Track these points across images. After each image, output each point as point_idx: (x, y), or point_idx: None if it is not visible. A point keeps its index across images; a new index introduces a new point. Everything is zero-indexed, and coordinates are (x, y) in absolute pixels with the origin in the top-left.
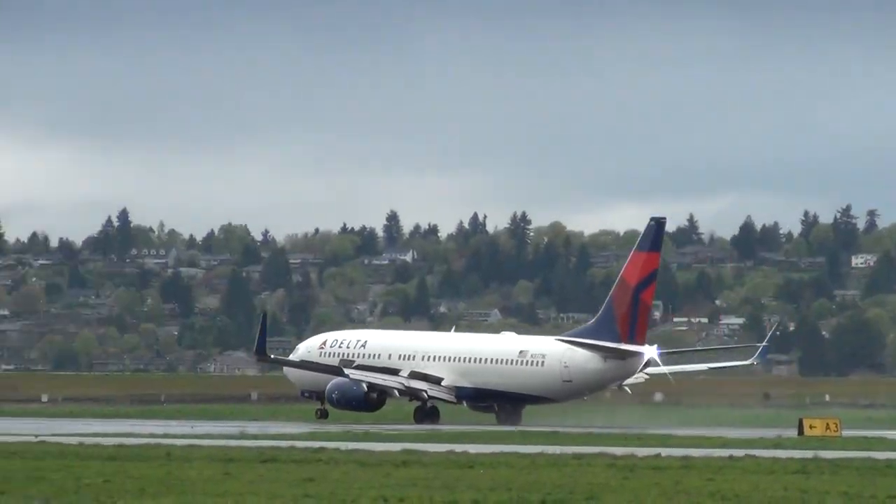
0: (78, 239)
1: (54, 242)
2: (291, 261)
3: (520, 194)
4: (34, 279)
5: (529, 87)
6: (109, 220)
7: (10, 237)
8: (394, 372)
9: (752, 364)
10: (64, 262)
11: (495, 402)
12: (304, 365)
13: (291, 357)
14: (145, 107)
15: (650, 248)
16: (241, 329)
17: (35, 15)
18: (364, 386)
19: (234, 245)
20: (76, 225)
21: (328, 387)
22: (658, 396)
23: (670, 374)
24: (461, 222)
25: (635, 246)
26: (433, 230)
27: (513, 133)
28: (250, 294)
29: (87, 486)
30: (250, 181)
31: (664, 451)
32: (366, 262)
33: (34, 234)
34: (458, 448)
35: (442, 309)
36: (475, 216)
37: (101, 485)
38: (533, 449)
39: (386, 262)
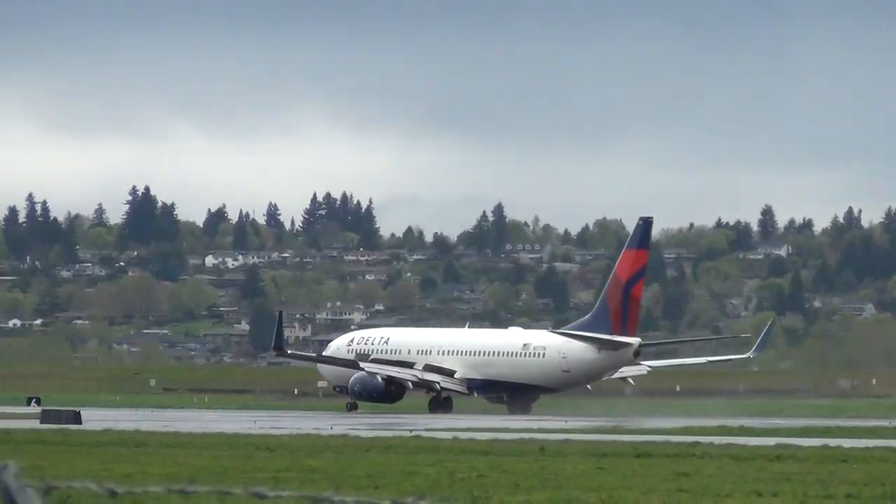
0: (452, 234)
1: (429, 237)
2: (666, 255)
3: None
4: (409, 274)
5: None
6: (484, 215)
7: (385, 232)
8: (408, 365)
9: (750, 357)
10: (438, 257)
11: (503, 392)
12: (320, 359)
13: (325, 354)
14: (520, 102)
15: (639, 246)
16: None
17: (408, 12)
18: (379, 378)
19: (609, 239)
20: (451, 220)
21: (351, 380)
22: None
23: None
24: (836, 217)
25: (626, 244)
26: (808, 225)
27: (889, 128)
28: None
29: (461, 480)
30: (625, 175)
31: None
32: (740, 256)
33: (409, 229)
34: (832, 442)
35: (816, 303)
36: (850, 211)
37: (475, 479)
38: None
39: (760, 256)
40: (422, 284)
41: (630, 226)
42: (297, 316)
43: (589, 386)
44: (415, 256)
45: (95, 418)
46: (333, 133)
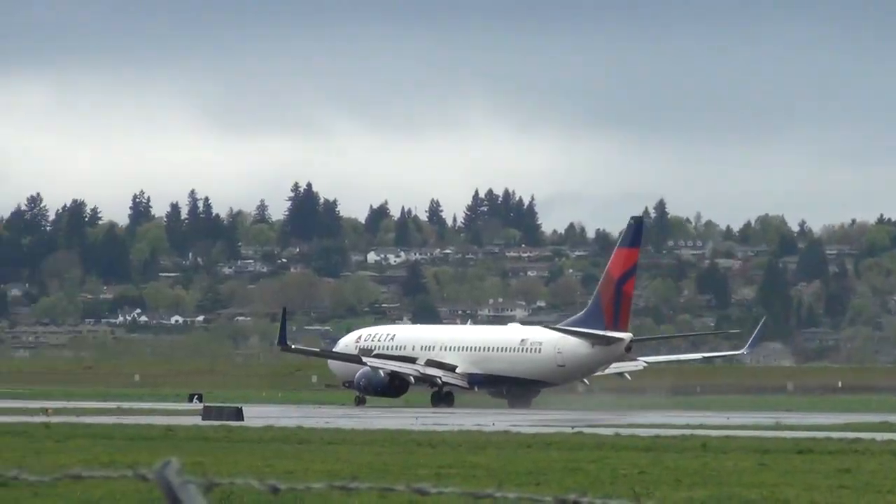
0: (614, 230)
1: (591, 233)
2: (828, 251)
3: None
4: (570, 270)
5: None
6: (646, 211)
7: (548, 228)
8: (410, 360)
9: (743, 353)
10: (600, 253)
11: (502, 386)
12: (323, 354)
13: (335, 350)
14: (683, 98)
15: (630, 245)
16: (777, 320)
17: (571, 10)
18: (382, 373)
19: (771, 236)
20: (613, 216)
21: (356, 375)
22: None
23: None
24: None
25: (617, 243)
26: None
27: None
28: (786, 285)
29: (623, 477)
30: (787, 171)
31: None
32: None
33: (571, 226)
34: None
35: None
36: None
37: (637, 476)
38: None
39: None
40: (583, 280)
41: (792, 222)
42: (459, 312)
43: (586, 381)
44: (576, 253)
45: (257, 415)
46: (496, 129)
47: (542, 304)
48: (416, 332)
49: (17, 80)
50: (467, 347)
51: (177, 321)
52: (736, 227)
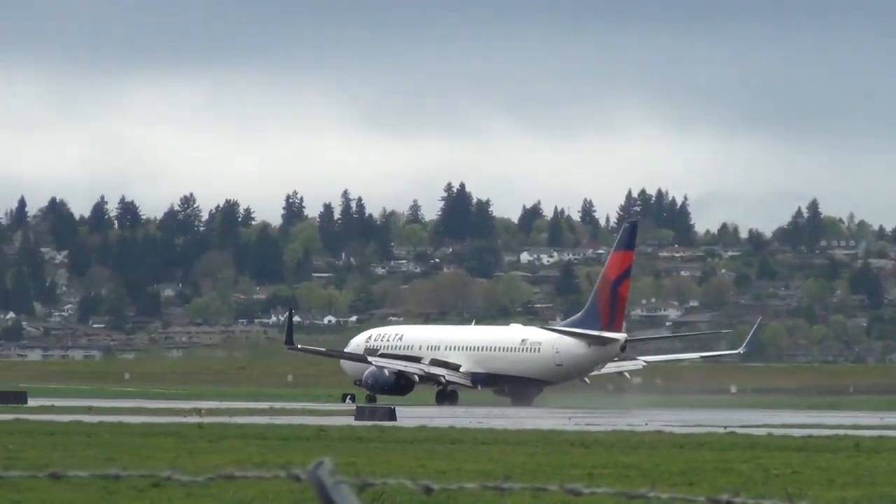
0: (767, 230)
1: (744, 233)
2: None
3: None
4: (723, 271)
5: None
6: (799, 211)
7: (701, 228)
8: (415, 359)
9: (741, 353)
10: (753, 253)
11: (504, 385)
12: (329, 353)
13: (347, 350)
14: (836, 98)
15: (625, 248)
16: None
17: (727, 11)
18: (387, 372)
19: None
20: (766, 216)
21: (364, 374)
22: None
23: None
24: None
25: (613, 246)
26: None
27: None
28: None
29: (776, 477)
30: None
31: None
32: None
33: (724, 226)
34: None
35: None
36: None
37: (789, 476)
38: None
39: None
40: (736, 281)
41: None
42: None
43: (587, 379)
44: (730, 253)
45: (410, 415)
46: (650, 129)
47: (694, 303)
48: (422, 333)
49: (171, 80)
50: (471, 347)
51: (329, 321)
52: (889, 227)
